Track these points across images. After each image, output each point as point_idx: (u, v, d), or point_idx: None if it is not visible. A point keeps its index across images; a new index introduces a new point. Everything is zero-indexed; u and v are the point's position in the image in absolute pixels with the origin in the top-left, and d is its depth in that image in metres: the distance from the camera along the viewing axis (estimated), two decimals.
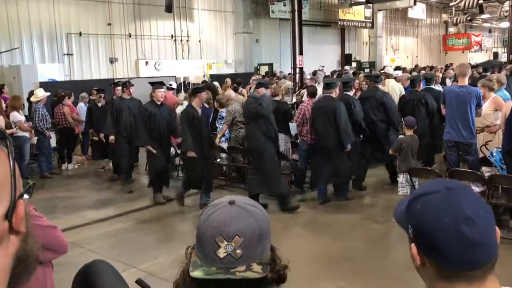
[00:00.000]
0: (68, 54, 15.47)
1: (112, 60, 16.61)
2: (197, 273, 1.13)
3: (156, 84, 7.80)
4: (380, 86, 8.43)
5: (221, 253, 1.12)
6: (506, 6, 24.58)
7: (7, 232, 0.74)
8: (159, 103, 7.54)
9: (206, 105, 8.89)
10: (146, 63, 17.32)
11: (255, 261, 1.13)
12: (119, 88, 9.21)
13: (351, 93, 7.89)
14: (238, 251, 1.11)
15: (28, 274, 0.81)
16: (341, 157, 7.13)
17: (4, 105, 9.13)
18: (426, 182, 1.12)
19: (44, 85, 11.75)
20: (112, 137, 8.67)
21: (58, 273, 2.51)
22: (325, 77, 16.88)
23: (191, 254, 1.20)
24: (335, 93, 7.35)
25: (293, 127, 8.33)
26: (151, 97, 7.64)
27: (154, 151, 7.36)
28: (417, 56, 32.88)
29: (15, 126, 8.62)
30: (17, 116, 8.82)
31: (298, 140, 8.18)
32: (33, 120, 9.42)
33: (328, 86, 7.44)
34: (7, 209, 0.73)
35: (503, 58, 30.02)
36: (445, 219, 0.97)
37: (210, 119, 9.25)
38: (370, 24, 26.64)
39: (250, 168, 7.49)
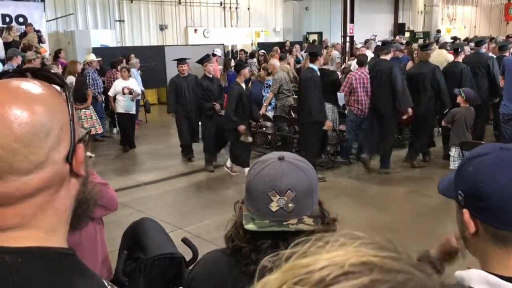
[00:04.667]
0: (119, 21, 15.74)
1: (162, 27, 16.77)
2: (251, 226, 1.17)
3: (181, 60, 8.15)
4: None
5: (274, 206, 1.15)
6: None
7: (68, 175, 0.78)
8: (210, 76, 7.69)
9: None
10: (195, 30, 17.38)
11: (306, 214, 1.17)
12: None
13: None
14: (290, 204, 1.15)
15: (87, 216, 0.85)
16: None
17: (60, 69, 9.45)
18: (476, 147, 1.07)
19: (96, 51, 12.07)
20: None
21: (108, 231, 2.61)
22: (377, 47, 16.39)
23: (240, 208, 1.23)
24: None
25: (341, 97, 8.17)
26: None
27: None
28: (475, 27, 31.24)
29: None
30: (72, 80, 9.11)
31: (346, 111, 8.04)
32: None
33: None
34: (68, 152, 0.76)
35: None
36: (503, 178, 0.93)
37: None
38: None
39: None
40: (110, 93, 9.08)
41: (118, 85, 8.93)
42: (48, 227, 0.76)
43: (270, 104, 8.79)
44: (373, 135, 7.02)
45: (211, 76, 7.71)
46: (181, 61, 8.19)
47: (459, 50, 7.70)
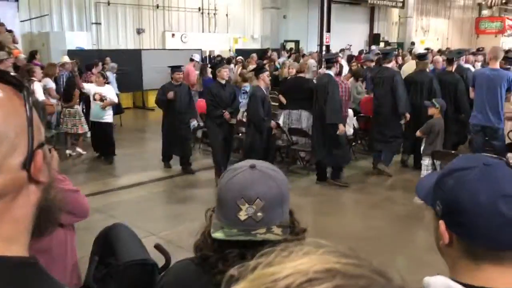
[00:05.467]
0: (96, 23, 15.56)
1: (139, 31, 16.65)
2: (218, 235, 1.15)
3: (177, 67, 7.88)
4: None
5: (242, 215, 1.14)
6: None
7: (26, 182, 0.75)
8: (223, 82, 7.31)
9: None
10: (173, 35, 17.32)
11: (275, 224, 1.15)
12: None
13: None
14: (259, 213, 1.13)
15: (51, 223, 0.82)
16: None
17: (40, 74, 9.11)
18: (460, 157, 1.07)
19: (71, 53, 11.89)
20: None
21: (79, 236, 2.56)
22: (351, 56, 16.64)
23: (211, 216, 1.22)
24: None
25: None
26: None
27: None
28: (447, 39, 32.01)
29: (45, 93, 8.76)
30: (49, 83, 8.93)
31: None
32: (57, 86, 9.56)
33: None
34: (24, 158, 0.73)
35: None
36: (482, 195, 0.93)
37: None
38: (401, 3, 25.91)
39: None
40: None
41: (91, 90, 8.38)
42: (6, 236, 0.73)
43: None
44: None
45: (223, 82, 7.28)
46: (177, 68, 7.86)
47: (453, 60, 8.07)
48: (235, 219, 1.14)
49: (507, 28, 33.72)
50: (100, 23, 15.64)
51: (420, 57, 8.10)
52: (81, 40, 14.07)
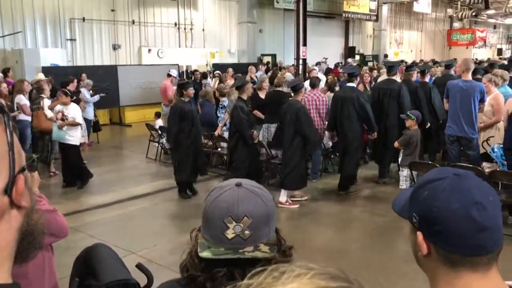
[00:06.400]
0: (71, 40, 15.42)
1: (115, 47, 16.56)
2: (206, 254, 1.14)
3: (186, 84, 7.37)
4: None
5: (230, 234, 1.13)
6: (511, 2, 24.40)
7: (8, 207, 0.74)
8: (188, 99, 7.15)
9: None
10: (149, 50, 17.27)
11: (262, 242, 1.15)
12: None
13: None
14: (246, 231, 1.13)
15: (34, 248, 0.81)
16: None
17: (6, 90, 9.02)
18: (431, 171, 1.11)
19: (46, 70, 11.74)
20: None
21: (58, 257, 2.52)
22: (328, 69, 16.86)
23: (196, 236, 1.21)
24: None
25: None
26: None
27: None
28: (421, 51, 32.75)
29: (18, 110, 8.61)
30: (22, 99, 8.78)
31: None
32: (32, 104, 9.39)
33: (390, 68, 8.07)
34: (6, 184, 0.73)
35: (507, 54, 29.92)
36: (455, 204, 0.97)
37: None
38: (375, 17, 26.49)
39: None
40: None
41: (57, 108, 7.74)
42: None
43: (225, 124, 8.82)
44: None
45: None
46: (188, 84, 7.34)
47: (426, 71, 8.63)
48: (222, 237, 1.14)
49: (477, 39, 34.69)
50: (75, 39, 15.51)
51: (407, 69, 8.66)
52: (56, 56, 13.92)
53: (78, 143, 7.78)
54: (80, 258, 2.29)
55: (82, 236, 5.50)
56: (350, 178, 7.30)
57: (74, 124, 7.61)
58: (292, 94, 7.10)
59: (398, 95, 7.42)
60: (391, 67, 8.09)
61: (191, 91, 7.17)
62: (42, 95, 8.46)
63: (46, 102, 8.37)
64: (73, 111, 7.65)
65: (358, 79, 7.74)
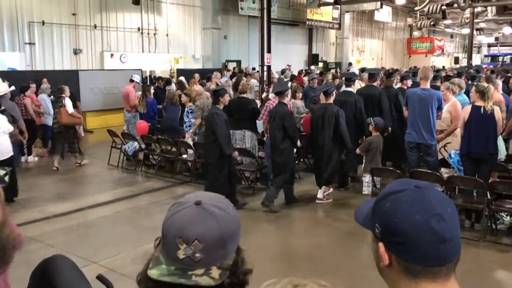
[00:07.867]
0: (30, 43, 14.99)
1: (76, 51, 16.21)
2: (153, 272, 1.10)
3: (222, 90, 7.12)
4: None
5: (181, 254, 1.08)
6: (467, 13, 25.36)
7: None
8: None
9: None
10: (112, 55, 16.99)
11: (215, 265, 1.10)
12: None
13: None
14: (197, 254, 1.08)
15: (5, 262, 0.79)
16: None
17: None
18: (392, 182, 1.14)
19: (3, 74, 11.34)
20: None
21: (13, 269, 2.42)
22: (292, 76, 17.02)
23: (157, 246, 1.17)
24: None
25: (260, 124, 8.34)
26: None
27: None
28: (382, 58, 33.56)
29: None
30: None
31: (265, 138, 8.20)
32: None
33: (371, 75, 8.63)
34: None
35: (464, 62, 31.02)
36: (416, 215, 0.99)
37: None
38: (338, 25, 26.99)
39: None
40: None
41: None
42: None
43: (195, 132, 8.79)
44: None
45: None
46: (223, 90, 7.13)
47: (375, 76, 8.94)
48: (174, 256, 1.09)
49: (436, 48, 35.85)
50: (34, 43, 15.08)
51: (388, 76, 9.28)
52: (14, 61, 13.52)
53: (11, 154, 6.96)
54: (38, 270, 2.22)
55: (40, 246, 5.34)
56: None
57: None
58: (324, 99, 7.31)
59: (379, 101, 7.88)
60: (373, 74, 8.60)
61: (227, 97, 7.09)
62: (63, 95, 9.42)
63: (67, 101, 9.36)
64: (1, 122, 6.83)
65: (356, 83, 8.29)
